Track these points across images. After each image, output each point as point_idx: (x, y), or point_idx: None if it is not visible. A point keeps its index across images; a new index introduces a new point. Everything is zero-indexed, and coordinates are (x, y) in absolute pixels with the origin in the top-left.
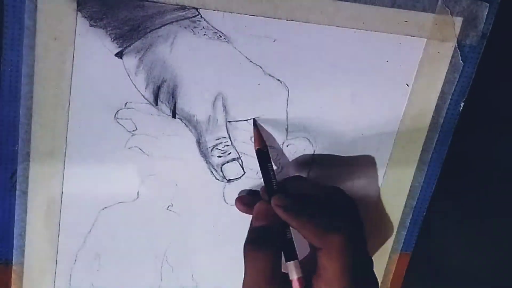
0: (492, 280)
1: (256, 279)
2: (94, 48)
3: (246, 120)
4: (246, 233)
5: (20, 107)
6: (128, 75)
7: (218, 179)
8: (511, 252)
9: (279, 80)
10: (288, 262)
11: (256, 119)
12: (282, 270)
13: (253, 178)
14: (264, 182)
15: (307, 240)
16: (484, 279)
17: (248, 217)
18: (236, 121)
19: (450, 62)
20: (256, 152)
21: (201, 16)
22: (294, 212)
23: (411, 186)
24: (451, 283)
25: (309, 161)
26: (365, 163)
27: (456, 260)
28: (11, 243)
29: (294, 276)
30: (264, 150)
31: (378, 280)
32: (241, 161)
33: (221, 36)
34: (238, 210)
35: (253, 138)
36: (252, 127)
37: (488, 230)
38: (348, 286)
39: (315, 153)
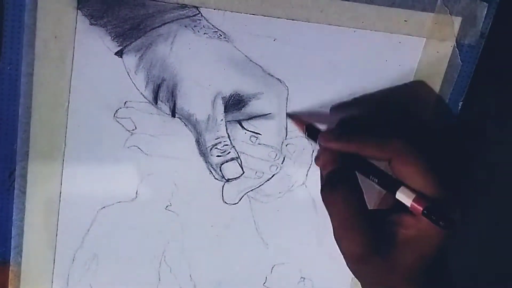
0: (492, 280)
1: (340, 221)
2: (94, 46)
3: (246, 119)
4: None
5: (19, 106)
6: (128, 74)
7: (217, 179)
8: (511, 252)
9: (279, 79)
10: (397, 192)
11: (255, 118)
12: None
13: (252, 178)
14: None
15: (373, 157)
16: (484, 279)
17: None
18: (236, 120)
19: (449, 61)
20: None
21: (201, 15)
22: (346, 137)
23: None
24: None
25: (308, 161)
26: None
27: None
28: (8, 242)
29: (408, 200)
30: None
31: None
32: (240, 160)
33: (221, 35)
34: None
35: (252, 138)
36: (252, 128)
37: (488, 230)
38: (437, 187)
39: (314, 152)
